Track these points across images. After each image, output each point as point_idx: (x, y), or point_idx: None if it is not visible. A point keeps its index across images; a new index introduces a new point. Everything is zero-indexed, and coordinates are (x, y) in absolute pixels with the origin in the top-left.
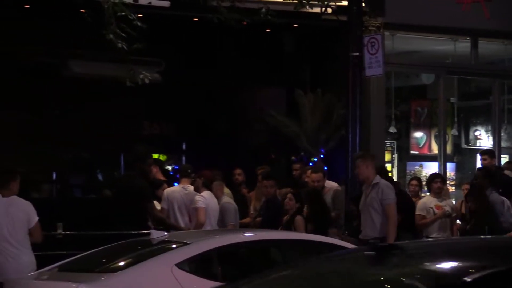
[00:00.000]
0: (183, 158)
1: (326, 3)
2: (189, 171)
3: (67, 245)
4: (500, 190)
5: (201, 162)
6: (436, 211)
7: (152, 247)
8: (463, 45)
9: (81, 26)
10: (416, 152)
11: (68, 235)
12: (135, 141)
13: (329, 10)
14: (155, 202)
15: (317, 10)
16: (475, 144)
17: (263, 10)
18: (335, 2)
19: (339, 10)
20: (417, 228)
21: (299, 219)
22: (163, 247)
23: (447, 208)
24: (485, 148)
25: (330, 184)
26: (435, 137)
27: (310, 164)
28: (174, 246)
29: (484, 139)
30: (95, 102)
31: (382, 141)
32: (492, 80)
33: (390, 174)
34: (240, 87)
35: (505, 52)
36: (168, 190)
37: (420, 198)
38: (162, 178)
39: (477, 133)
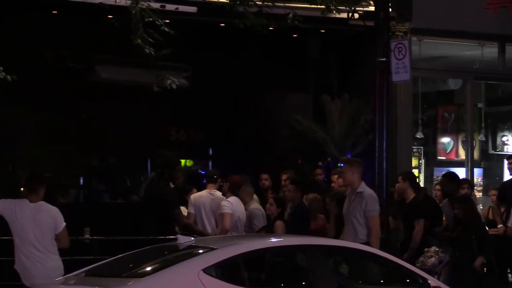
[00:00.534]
0: (210, 163)
1: (353, 8)
2: (215, 176)
3: (94, 250)
4: None
5: (228, 167)
6: None
7: (179, 252)
8: (491, 50)
9: (109, 31)
10: (443, 158)
11: (95, 240)
12: (162, 147)
13: (356, 15)
14: (183, 208)
15: (344, 15)
16: (502, 150)
17: (290, 15)
18: (362, 8)
19: (366, 15)
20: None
21: (279, 224)
22: (190, 252)
23: None
24: None
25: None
26: (462, 142)
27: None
28: (201, 251)
29: (511, 145)
30: (122, 107)
31: (409, 147)
32: None
33: (417, 180)
34: (266, 93)
35: None
36: (195, 195)
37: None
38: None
39: (504, 138)
